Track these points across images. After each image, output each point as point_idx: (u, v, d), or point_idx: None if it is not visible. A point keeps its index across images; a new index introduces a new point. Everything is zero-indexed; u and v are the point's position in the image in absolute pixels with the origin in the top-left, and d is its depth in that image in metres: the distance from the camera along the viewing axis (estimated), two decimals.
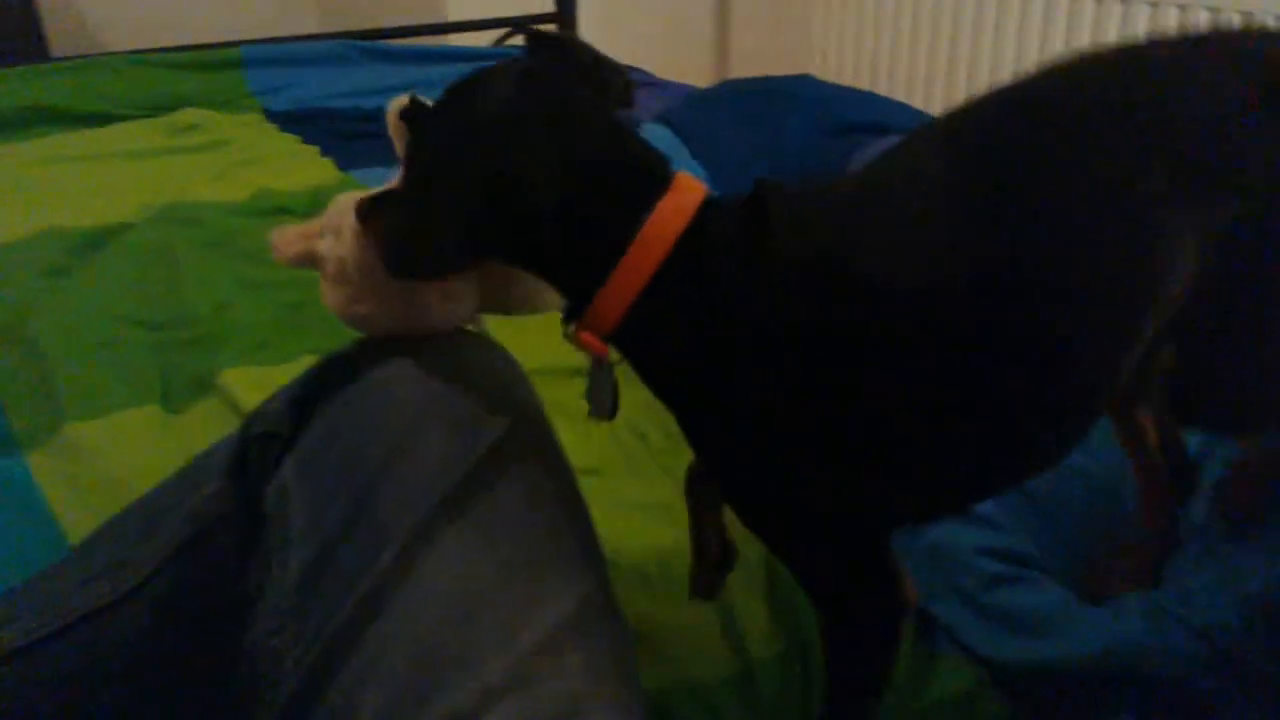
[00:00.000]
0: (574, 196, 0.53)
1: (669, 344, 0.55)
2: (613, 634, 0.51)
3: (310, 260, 0.64)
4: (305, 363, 1.07)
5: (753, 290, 0.52)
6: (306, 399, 0.57)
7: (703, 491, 0.74)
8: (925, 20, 2.34)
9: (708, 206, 0.54)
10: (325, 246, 0.62)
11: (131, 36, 2.46)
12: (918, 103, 2.33)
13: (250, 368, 1.07)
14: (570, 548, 0.53)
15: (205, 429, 0.98)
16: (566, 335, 0.58)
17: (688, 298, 0.53)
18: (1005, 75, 2.08)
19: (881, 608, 0.57)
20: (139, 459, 0.93)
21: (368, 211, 0.57)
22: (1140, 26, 1.94)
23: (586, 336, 0.56)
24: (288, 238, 0.65)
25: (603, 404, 0.61)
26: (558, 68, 0.57)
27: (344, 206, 0.61)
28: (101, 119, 1.88)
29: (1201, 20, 1.85)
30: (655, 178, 0.55)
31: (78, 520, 0.85)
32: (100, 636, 0.52)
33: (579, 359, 0.60)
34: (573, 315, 0.57)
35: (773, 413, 0.53)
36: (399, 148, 0.62)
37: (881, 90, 2.42)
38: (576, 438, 0.65)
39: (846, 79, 2.53)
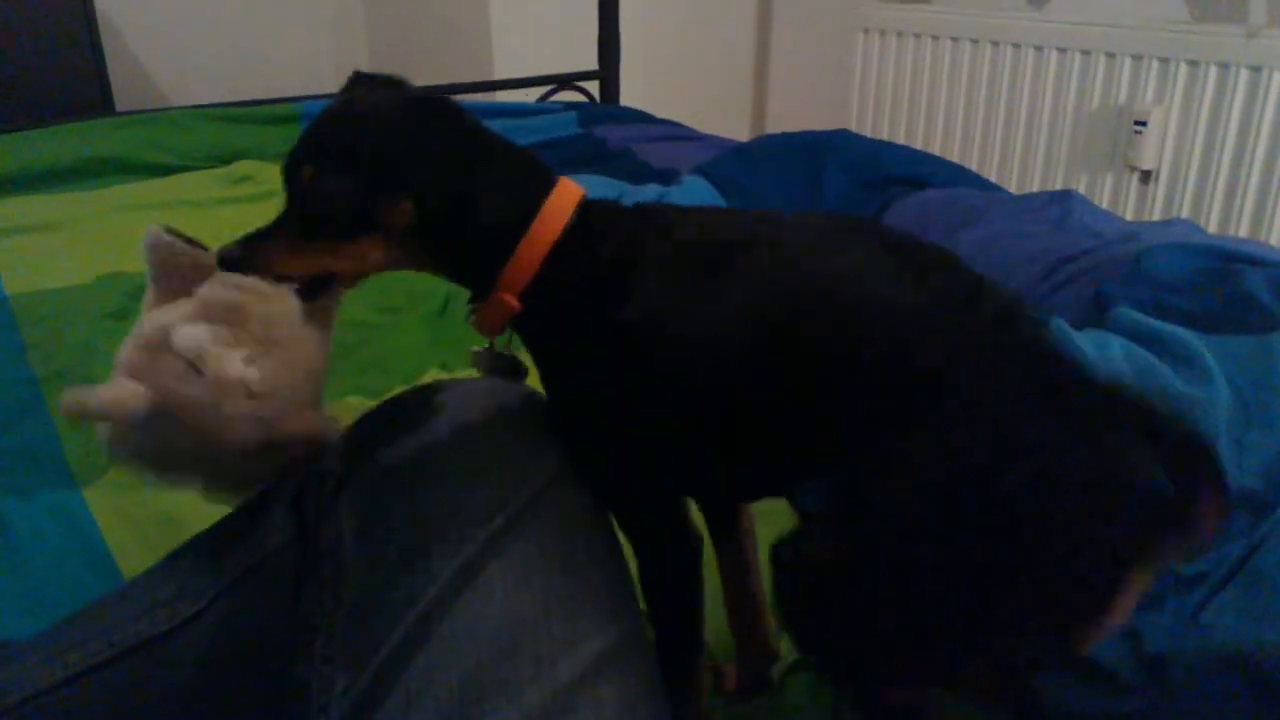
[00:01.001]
0: (474, 188, 0.61)
1: (562, 304, 0.62)
2: (645, 670, 0.53)
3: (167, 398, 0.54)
4: (351, 403, 1.11)
5: (607, 272, 0.61)
6: (362, 440, 0.60)
7: (733, 574, 0.77)
8: (962, 74, 2.37)
9: (589, 201, 0.64)
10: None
11: (193, 92, 2.57)
12: (954, 156, 2.35)
13: None
14: (606, 587, 0.56)
15: None
16: (469, 319, 0.66)
17: (574, 267, 0.62)
18: (1039, 131, 2.09)
19: (663, 541, 0.67)
20: (190, 494, 0.96)
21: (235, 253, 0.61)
22: (1178, 86, 1.96)
23: (504, 297, 0.62)
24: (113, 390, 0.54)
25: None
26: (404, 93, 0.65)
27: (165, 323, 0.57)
28: (164, 170, 1.95)
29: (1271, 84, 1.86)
30: (543, 177, 0.64)
31: (131, 552, 0.88)
32: (159, 662, 0.54)
33: None
34: (476, 297, 0.65)
35: (589, 375, 0.62)
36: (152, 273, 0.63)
37: (918, 144, 2.44)
38: None
39: (883, 133, 2.57)
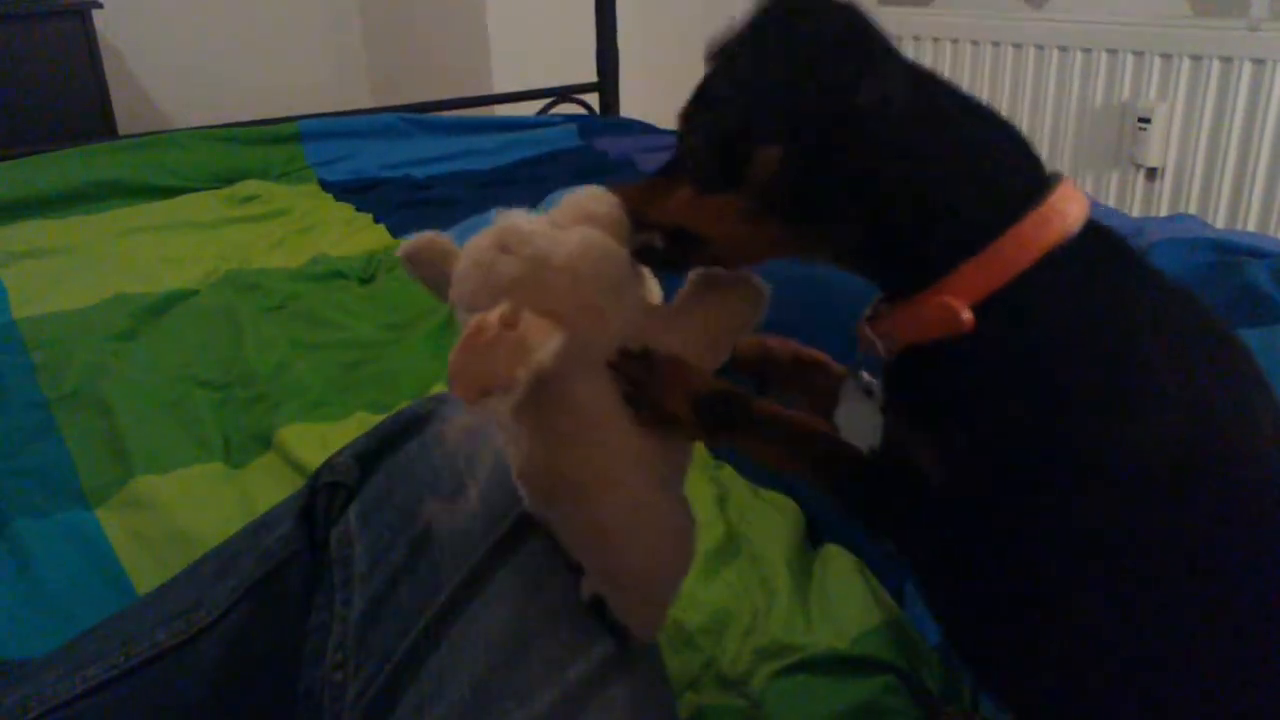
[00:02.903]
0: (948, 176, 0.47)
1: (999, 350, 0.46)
2: (653, 671, 0.54)
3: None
4: (358, 419, 1.12)
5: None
6: (371, 453, 0.61)
7: None
8: (963, 76, 2.37)
9: (1092, 223, 0.48)
10: None
11: (195, 114, 2.58)
12: None
13: (306, 424, 1.11)
14: None
15: (264, 483, 1.02)
16: (865, 327, 0.50)
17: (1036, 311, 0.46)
18: (1042, 131, 2.07)
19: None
20: (202, 512, 0.96)
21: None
22: (1181, 82, 1.96)
23: (949, 301, 0.46)
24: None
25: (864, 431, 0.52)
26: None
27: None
28: (168, 192, 1.97)
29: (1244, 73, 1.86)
30: (1040, 175, 0.49)
31: (145, 570, 0.88)
32: (175, 672, 0.55)
33: None
34: (893, 300, 0.49)
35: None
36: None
37: None
38: None
39: None
